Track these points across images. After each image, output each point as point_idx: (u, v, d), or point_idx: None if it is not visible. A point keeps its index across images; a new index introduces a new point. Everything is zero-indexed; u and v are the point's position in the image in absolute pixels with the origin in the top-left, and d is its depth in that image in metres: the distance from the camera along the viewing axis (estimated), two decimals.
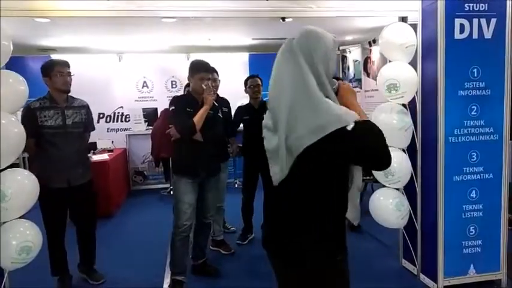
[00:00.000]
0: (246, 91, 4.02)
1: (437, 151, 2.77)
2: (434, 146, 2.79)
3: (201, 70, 2.99)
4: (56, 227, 2.96)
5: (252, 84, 3.93)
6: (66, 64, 3.00)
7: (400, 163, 2.89)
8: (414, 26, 2.86)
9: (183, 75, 7.48)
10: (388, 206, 2.93)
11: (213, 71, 3.67)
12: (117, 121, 7.07)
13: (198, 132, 2.88)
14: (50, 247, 2.97)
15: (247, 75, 7.66)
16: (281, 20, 5.18)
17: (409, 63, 2.87)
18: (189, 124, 2.83)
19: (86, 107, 3.16)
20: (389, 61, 2.96)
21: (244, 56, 7.46)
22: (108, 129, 6.97)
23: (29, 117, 2.84)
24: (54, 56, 7.15)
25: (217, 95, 3.77)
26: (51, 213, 2.90)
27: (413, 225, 3.05)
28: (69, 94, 3.06)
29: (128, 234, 4.47)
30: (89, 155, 5.58)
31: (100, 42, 6.88)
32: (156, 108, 6.68)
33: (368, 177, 4.13)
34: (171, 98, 3.10)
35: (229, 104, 3.90)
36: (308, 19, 2.73)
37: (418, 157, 2.98)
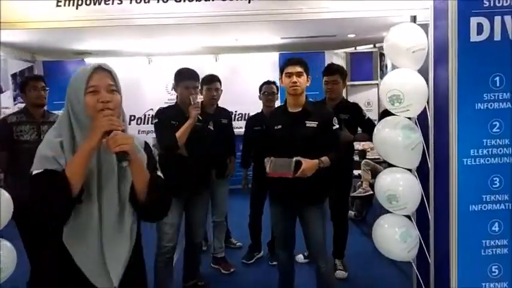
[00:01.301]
0: (260, 97, 3.75)
1: (449, 175, 2.33)
2: (447, 168, 2.36)
3: (185, 78, 2.78)
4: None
5: (267, 91, 3.64)
6: (40, 78, 3.04)
7: (406, 187, 2.48)
8: (426, 27, 2.43)
9: None
10: (393, 235, 2.53)
11: (216, 80, 3.44)
12: (147, 123, 7.11)
13: (183, 146, 2.68)
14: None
15: (277, 75, 7.48)
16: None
17: (419, 71, 2.44)
18: (171, 139, 2.63)
19: None
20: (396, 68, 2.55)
21: (274, 56, 7.17)
22: (139, 131, 7.02)
23: (4, 130, 2.82)
24: (88, 60, 7.34)
25: (217, 105, 3.55)
26: (28, 230, 2.84)
27: (426, 257, 2.63)
28: (46, 109, 3.02)
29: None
30: None
31: (130, 46, 6.95)
32: None
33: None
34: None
35: (230, 115, 3.66)
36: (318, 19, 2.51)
37: (431, 180, 2.54)
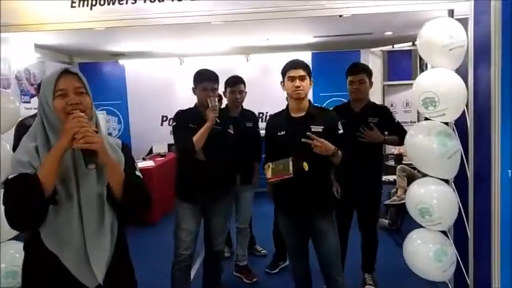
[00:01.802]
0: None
1: (491, 188, 2.07)
2: (488, 180, 2.09)
3: (203, 80, 2.67)
4: None
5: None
6: None
7: (441, 199, 2.23)
8: (465, 22, 2.17)
9: (243, 76, 7.37)
10: (426, 253, 2.30)
11: (239, 82, 3.30)
12: None
13: (201, 150, 2.57)
14: None
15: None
16: (338, 17, 4.68)
17: (457, 71, 2.19)
18: (188, 143, 2.53)
19: None
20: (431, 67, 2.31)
21: (307, 55, 6.95)
22: (171, 131, 7.03)
23: (22, 133, 2.80)
24: (122, 61, 7.46)
25: (242, 107, 3.41)
26: None
27: (465, 278, 2.36)
28: None
29: (163, 245, 4.35)
30: (137, 160, 5.67)
31: (163, 47, 6.98)
32: None
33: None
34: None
35: (255, 118, 3.48)
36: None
37: (470, 192, 2.28)
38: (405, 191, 4.32)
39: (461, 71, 2.20)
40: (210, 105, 2.57)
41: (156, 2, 2.32)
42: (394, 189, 4.57)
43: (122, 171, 1.43)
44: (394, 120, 3.03)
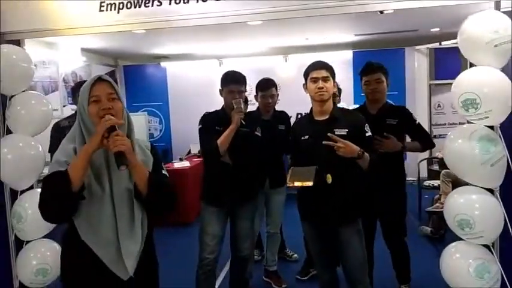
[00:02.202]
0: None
1: None
2: None
3: (229, 82, 2.62)
4: None
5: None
6: None
7: (483, 210, 2.03)
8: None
9: (281, 76, 7.29)
10: (466, 268, 2.09)
11: (270, 86, 3.21)
12: None
13: (226, 153, 2.52)
14: None
15: (352, 74, 7.05)
16: (379, 13, 4.49)
17: (502, 69, 1.98)
18: (213, 146, 2.49)
19: None
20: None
21: (347, 54, 6.76)
22: None
23: (57, 135, 2.89)
24: (164, 63, 7.62)
25: (274, 109, 3.33)
26: None
27: None
28: None
29: (196, 247, 4.36)
30: (174, 161, 5.74)
31: (203, 49, 7.06)
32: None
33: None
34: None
35: (288, 120, 3.38)
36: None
37: None
38: None
39: (508, 70, 1.98)
40: (234, 107, 2.52)
41: (181, 3, 2.30)
42: (438, 196, 4.29)
43: (146, 171, 1.53)
44: (415, 121, 2.79)
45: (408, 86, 6.64)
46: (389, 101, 2.90)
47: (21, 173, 2.36)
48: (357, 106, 6.48)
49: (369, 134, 2.25)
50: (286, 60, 6.90)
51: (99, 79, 1.54)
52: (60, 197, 1.44)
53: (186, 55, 7.46)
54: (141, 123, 7.07)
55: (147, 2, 2.31)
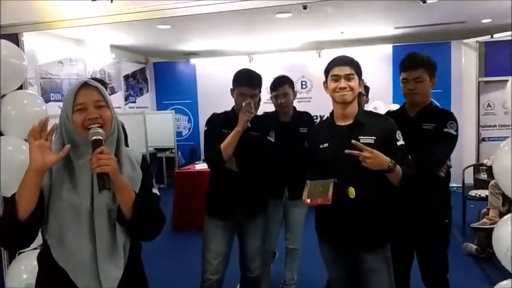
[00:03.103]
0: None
1: None
2: None
3: (241, 84, 2.31)
4: None
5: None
6: (101, 83, 2.76)
7: None
8: None
9: (314, 73, 6.93)
10: None
11: (282, 83, 2.83)
12: None
13: (232, 160, 2.23)
14: None
15: (391, 70, 6.54)
16: (421, 3, 4.05)
17: None
18: (215, 150, 2.20)
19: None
20: None
21: (387, 48, 6.29)
22: None
23: None
24: (194, 60, 7.44)
25: (294, 108, 2.98)
26: None
27: None
28: None
29: None
30: (196, 162, 5.53)
31: (232, 44, 6.83)
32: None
33: None
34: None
35: (312, 122, 2.99)
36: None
37: None
38: (500, 212, 3.55)
39: None
40: (243, 106, 2.21)
41: None
42: (485, 209, 3.77)
43: (132, 193, 1.35)
44: (452, 128, 2.16)
45: (454, 83, 6.06)
46: (435, 102, 2.33)
47: (9, 178, 2.17)
48: (397, 106, 5.98)
49: (401, 142, 1.86)
50: (319, 56, 6.53)
51: (85, 84, 1.35)
52: (6, 225, 1.29)
53: (216, 51, 7.24)
54: (168, 122, 6.95)
55: None
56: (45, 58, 5.26)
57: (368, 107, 5.20)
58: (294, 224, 2.94)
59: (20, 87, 2.34)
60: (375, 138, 1.82)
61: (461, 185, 4.55)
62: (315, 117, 6.68)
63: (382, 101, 5.90)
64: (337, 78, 1.85)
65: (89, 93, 1.33)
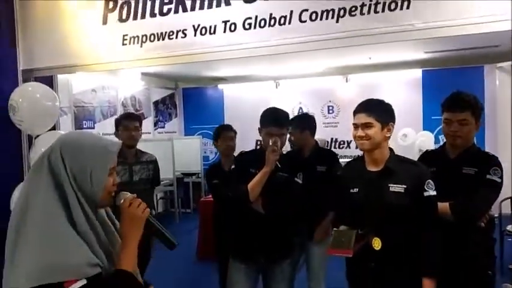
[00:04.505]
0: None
1: None
2: None
3: (268, 124, 2.27)
4: None
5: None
6: (133, 118, 2.82)
7: None
8: None
9: (341, 98, 6.86)
10: None
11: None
12: None
13: (259, 201, 2.20)
14: None
15: (421, 95, 6.38)
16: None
17: None
18: (241, 190, 2.17)
19: (154, 162, 2.92)
20: None
21: (416, 73, 6.16)
22: None
23: None
24: (222, 86, 7.54)
25: (316, 143, 2.91)
26: None
27: None
28: (138, 148, 2.87)
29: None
30: None
31: (259, 70, 6.88)
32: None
33: None
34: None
35: (333, 160, 2.87)
36: None
37: None
38: None
39: None
40: (270, 145, 2.18)
41: (208, 34, 2.05)
42: None
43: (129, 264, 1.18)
44: (495, 175, 1.96)
45: (488, 110, 5.79)
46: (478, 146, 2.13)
47: None
48: (428, 134, 5.72)
49: (429, 193, 1.75)
50: (347, 81, 6.45)
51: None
52: None
53: (243, 77, 7.32)
54: (195, 147, 7.02)
55: (171, 34, 2.10)
56: (80, 87, 5.44)
57: (397, 134, 5.08)
58: (316, 264, 2.81)
59: (53, 127, 2.43)
60: (405, 187, 1.74)
61: (498, 217, 4.32)
62: (342, 143, 6.66)
63: (411, 128, 5.76)
64: (355, 127, 1.81)
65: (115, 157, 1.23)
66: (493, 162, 2.02)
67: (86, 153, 1.13)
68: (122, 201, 1.19)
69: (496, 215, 4.25)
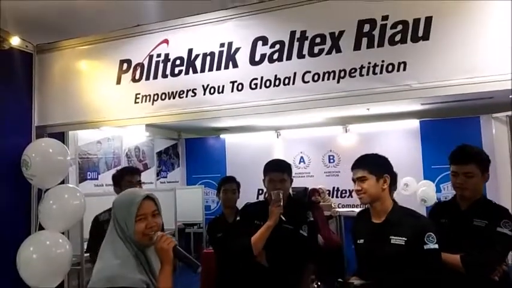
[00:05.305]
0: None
1: None
2: None
3: (269, 170, 2.35)
4: None
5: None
6: (136, 172, 2.84)
7: None
8: None
9: (341, 147, 6.97)
10: None
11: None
12: None
13: (262, 254, 2.21)
14: None
15: (419, 145, 6.48)
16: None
17: None
18: (245, 243, 2.19)
19: None
20: None
21: (414, 123, 6.30)
22: None
23: (97, 229, 2.74)
24: (224, 136, 7.68)
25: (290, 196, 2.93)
26: None
27: None
28: None
29: None
30: None
31: (260, 121, 7.03)
32: (306, 188, 6.15)
33: None
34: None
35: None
36: None
37: None
38: None
39: None
40: (272, 199, 2.22)
41: (216, 93, 2.17)
42: None
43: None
44: (507, 228, 1.96)
45: None
46: (489, 198, 2.14)
47: (46, 273, 2.23)
48: (429, 184, 5.68)
49: (430, 246, 1.76)
50: (346, 131, 6.59)
51: (147, 197, 1.54)
52: None
53: (245, 127, 7.48)
54: (197, 197, 7.02)
55: (181, 93, 2.22)
56: (85, 139, 5.53)
57: (399, 184, 5.10)
58: None
59: (62, 181, 2.48)
60: (405, 239, 1.77)
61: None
62: (343, 192, 6.66)
63: (412, 177, 5.81)
64: (354, 181, 1.89)
65: (149, 204, 1.53)
66: (503, 214, 2.02)
67: (120, 208, 1.53)
68: (155, 238, 1.49)
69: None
